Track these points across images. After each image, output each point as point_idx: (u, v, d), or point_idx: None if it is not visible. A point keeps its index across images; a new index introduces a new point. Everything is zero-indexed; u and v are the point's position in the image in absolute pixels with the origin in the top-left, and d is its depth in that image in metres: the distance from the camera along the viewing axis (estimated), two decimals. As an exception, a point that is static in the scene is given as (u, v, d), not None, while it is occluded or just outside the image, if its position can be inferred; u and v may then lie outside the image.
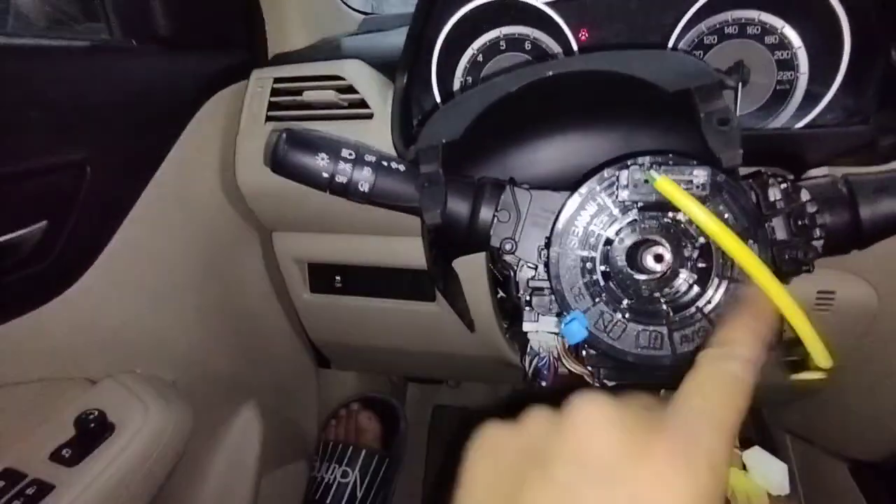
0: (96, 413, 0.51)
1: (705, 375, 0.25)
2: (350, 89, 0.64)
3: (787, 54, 0.59)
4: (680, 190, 0.32)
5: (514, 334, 0.73)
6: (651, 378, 0.41)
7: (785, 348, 0.36)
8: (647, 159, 0.35)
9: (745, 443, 0.45)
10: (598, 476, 0.22)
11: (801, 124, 0.56)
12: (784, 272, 0.40)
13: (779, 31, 0.59)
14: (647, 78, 0.39)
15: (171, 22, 0.60)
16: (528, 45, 0.65)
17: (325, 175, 0.40)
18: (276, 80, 0.67)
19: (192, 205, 0.65)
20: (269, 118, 0.66)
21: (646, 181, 0.34)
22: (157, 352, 0.64)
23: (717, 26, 0.61)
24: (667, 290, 0.38)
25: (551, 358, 0.45)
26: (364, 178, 0.41)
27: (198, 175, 0.65)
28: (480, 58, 0.66)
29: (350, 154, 0.41)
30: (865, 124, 0.50)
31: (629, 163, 0.35)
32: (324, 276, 0.78)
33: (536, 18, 0.63)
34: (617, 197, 0.37)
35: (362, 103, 0.64)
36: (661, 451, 0.22)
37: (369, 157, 0.41)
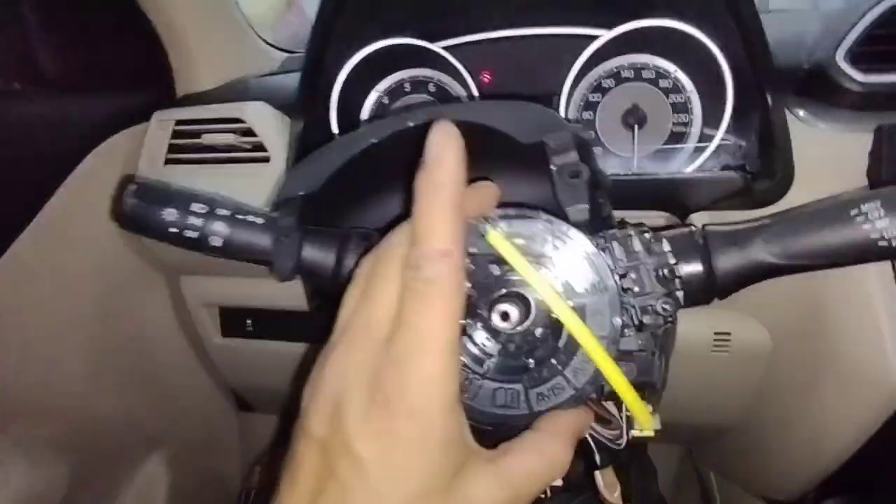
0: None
1: (408, 295, 0.25)
2: (249, 132, 0.63)
3: (682, 97, 0.60)
4: (509, 246, 0.32)
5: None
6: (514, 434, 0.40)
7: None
8: (484, 216, 0.34)
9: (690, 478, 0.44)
10: None
11: (692, 167, 0.57)
12: (646, 325, 0.39)
13: (672, 74, 0.60)
14: (503, 129, 0.38)
15: (58, 64, 0.59)
16: (432, 87, 0.65)
17: (174, 230, 0.39)
18: (178, 122, 0.65)
19: (82, 250, 0.63)
20: (168, 161, 0.65)
21: (482, 235, 0.33)
22: (36, 407, 0.60)
23: (614, 70, 0.62)
24: (530, 342, 0.37)
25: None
26: (216, 233, 0.39)
27: (90, 219, 0.63)
28: (386, 100, 0.66)
29: (202, 208, 0.39)
30: (743, 170, 0.50)
31: (471, 221, 0.34)
32: (235, 320, 0.75)
33: (438, 62, 0.63)
34: (471, 250, 0.36)
35: (261, 146, 0.62)
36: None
37: (222, 211, 0.39)
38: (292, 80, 0.79)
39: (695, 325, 0.57)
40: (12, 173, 0.54)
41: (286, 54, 0.91)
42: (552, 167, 0.37)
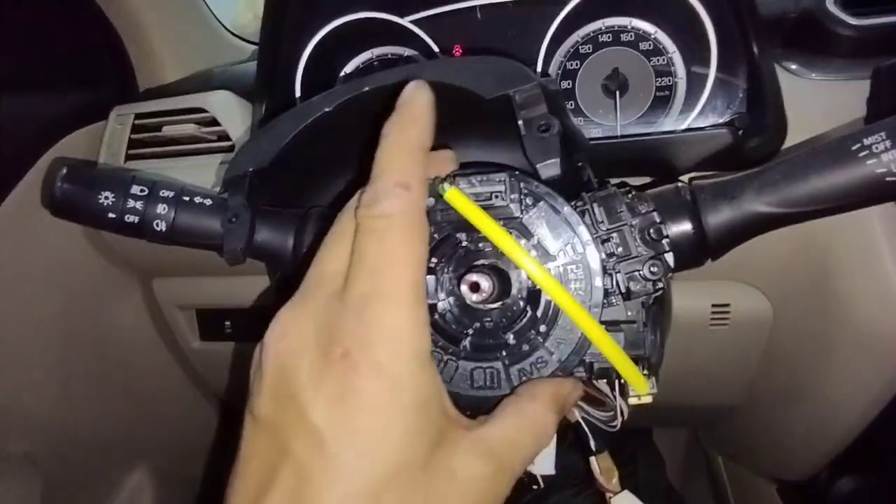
0: None
1: (365, 234, 0.22)
2: (213, 122, 0.60)
3: (663, 60, 0.57)
4: (469, 202, 0.28)
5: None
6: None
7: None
8: (443, 175, 0.31)
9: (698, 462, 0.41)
10: None
11: (667, 132, 0.53)
12: (634, 292, 0.36)
13: (652, 36, 0.57)
14: (464, 85, 0.35)
15: (10, 61, 0.56)
16: (402, 65, 0.62)
17: (112, 215, 0.35)
18: (138, 116, 0.62)
19: (47, 257, 0.60)
20: (129, 157, 0.62)
21: (439, 196, 0.30)
22: (10, 422, 0.57)
23: (591, 34, 0.59)
24: (497, 319, 0.33)
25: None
26: (160, 216, 0.36)
27: (50, 222, 0.60)
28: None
29: (142, 190, 0.36)
30: (732, 126, 0.47)
31: (430, 179, 0.31)
32: (213, 322, 0.72)
33: (406, 37, 0.60)
34: (435, 216, 0.33)
35: (225, 136, 0.59)
36: None
37: (166, 192, 0.36)
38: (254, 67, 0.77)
39: (691, 299, 0.54)
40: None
41: (254, 45, 0.88)
42: (519, 122, 0.34)
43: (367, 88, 0.37)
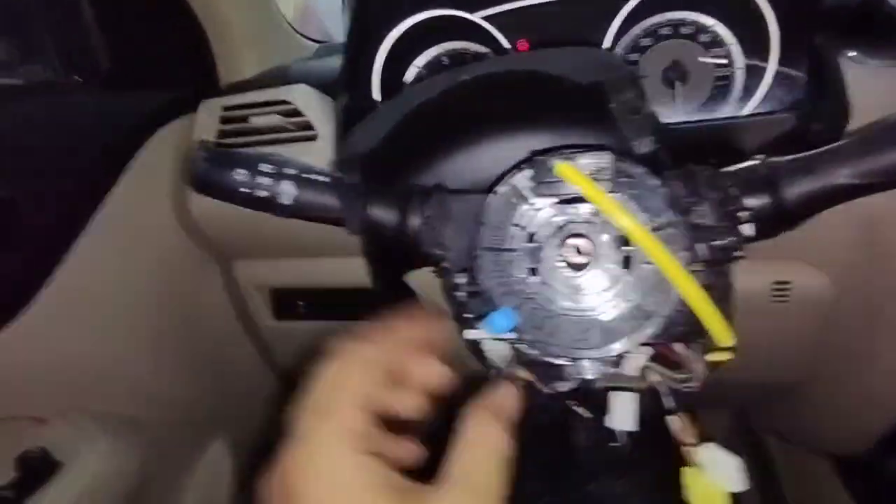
0: (39, 452, 0.50)
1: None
2: (296, 112, 0.65)
3: (722, 51, 0.60)
4: (580, 175, 0.32)
5: (468, 346, 0.72)
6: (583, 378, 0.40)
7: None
8: (552, 152, 0.34)
9: (747, 441, 0.44)
10: None
11: (727, 118, 0.56)
12: (715, 260, 0.39)
13: (710, 28, 0.60)
14: (560, 74, 0.39)
15: (113, 60, 0.61)
16: (469, 59, 0.66)
17: (245, 190, 0.40)
18: (225, 109, 0.67)
19: (144, 238, 0.65)
20: (218, 146, 0.67)
21: (549, 170, 0.34)
22: (114, 388, 0.63)
23: (652, 28, 0.62)
24: (592, 279, 0.37)
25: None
26: (285, 192, 0.40)
27: (149, 208, 0.65)
28: (424, 74, 0.67)
29: (270, 168, 0.40)
30: (792, 111, 0.50)
31: (538, 157, 0.35)
32: (287, 302, 0.77)
33: (475, 32, 0.64)
34: (535, 193, 0.37)
35: (308, 125, 0.64)
36: None
37: (289, 170, 0.41)
38: (326, 64, 0.81)
39: (752, 275, 0.56)
40: (75, 162, 0.57)
41: (316, 43, 0.93)
42: (612, 105, 0.37)
43: (465, 77, 0.41)
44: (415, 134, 0.42)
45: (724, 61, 0.59)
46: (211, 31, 0.71)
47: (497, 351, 0.44)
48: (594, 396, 0.44)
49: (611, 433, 0.46)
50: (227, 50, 0.74)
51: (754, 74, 0.58)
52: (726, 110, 0.59)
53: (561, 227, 0.37)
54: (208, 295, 0.75)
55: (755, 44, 0.57)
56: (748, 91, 0.58)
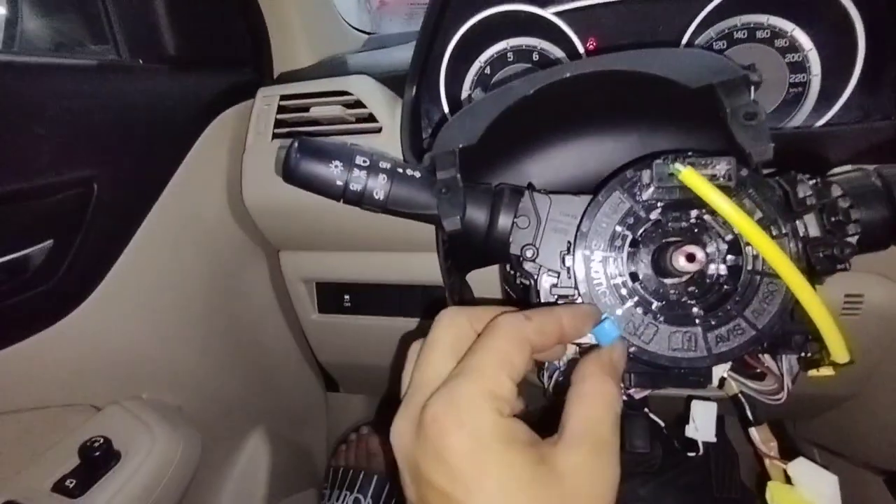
0: (101, 441, 0.49)
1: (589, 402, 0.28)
2: (357, 104, 0.64)
3: (799, 56, 0.59)
4: (706, 182, 0.31)
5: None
6: (685, 383, 0.39)
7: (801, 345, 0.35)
8: (670, 156, 0.33)
9: (787, 453, 0.43)
10: None
11: (818, 125, 0.55)
12: (819, 271, 0.38)
13: (789, 34, 0.59)
14: (667, 75, 0.38)
15: (177, 41, 0.60)
16: (535, 56, 0.65)
17: (339, 183, 0.39)
18: (283, 98, 0.66)
19: (198, 225, 0.64)
20: (275, 135, 0.66)
21: (671, 175, 0.33)
22: (163, 376, 0.62)
23: (726, 31, 0.60)
24: (695, 289, 0.36)
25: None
26: (379, 186, 0.39)
27: (204, 195, 0.64)
28: (488, 69, 0.66)
29: (364, 161, 0.39)
30: (888, 120, 0.49)
31: (653, 161, 0.34)
32: (332, 296, 0.76)
33: (543, 29, 0.63)
34: (641, 197, 0.36)
35: (370, 117, 0.63)
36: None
37: (384, 164, 0.40)
38: (379, 56, 0.80)
39: (824, 287, 0.55)
40: (141, 148, 0.56)
41: (365, 35, 0.92)
42: (727, 110, 0.36)
43: (567, 75, 0.40)
44: (511, 131, 0.41)
45: (800, 67, 0.58)
46: (269, 17, 0.70)
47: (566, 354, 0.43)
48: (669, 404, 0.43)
49: (691, 442, 0.45)
50: (284, 38, 0.73)
51: (832, 81, 0.57)
52: (800, 116, 0.58)
53: (668, 233, 0.36)
54: (255, 285, 0.74)
55: (837, 52, 0.56)
56: (823, 99, 0.57)
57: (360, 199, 0.40)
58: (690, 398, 0.45)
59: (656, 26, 0.61)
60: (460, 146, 0.40)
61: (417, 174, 0.41)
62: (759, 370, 0.44)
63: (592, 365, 0.30)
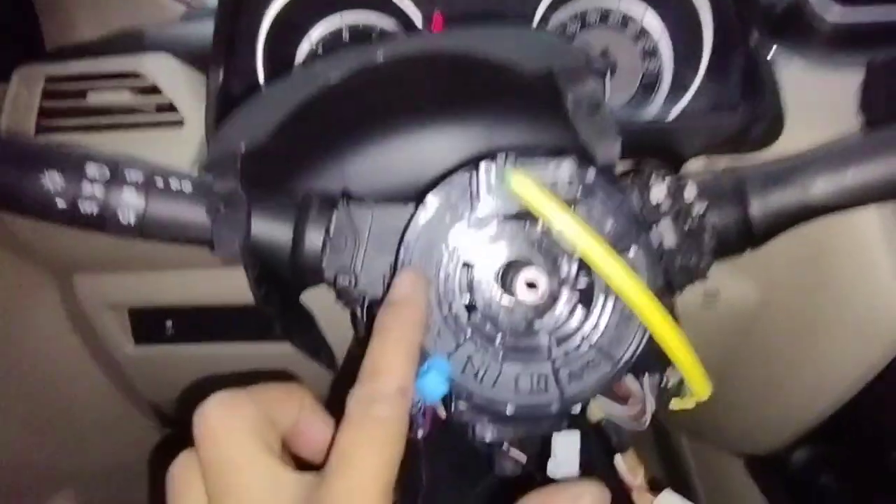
0: None
1: (355, 431, 0.22)
2: (153, 90, 0.51)
3: (651, 44, 0.56)
4: (538, 189, 0.24)
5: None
6: (536, 429, 0.33)
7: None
8: (503, 156, 0.26)
9: (654, 483, 0.40)
10: None
11: (671, 116, 0.52)
12: (676, 285, 0.34)
13: (640, 19, 0.55)
14: (500, 58, 0.31)
15: None
16: (374, 38, 0.56)
17: (62, 204, 0.28)
18: (49, 80, 0.51)
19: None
20: (40, 128, 0.51)
21: (498, 180, 0.26)
22: None
23: (579, 13, 0.56)
24: (546, 318, 0.30)
25: (424, 404, 0.36)
26: (128, 205, 0.29)
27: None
28: (321, 51, 0.56)
29: (102, 171, 0.28)
30: (734, 112, 0.46)
31: (481, 163, 0.27)
32: (150, 323, 0.63)
33: (382, 5, 0.54)
34: (474, 207, 0.29)
35: (170, 107, 0.50)
36: None
37: (133, 175, 0.29)
38: (195, 30, 0.66)
39: (682, 287, 0.54)
40: None
41: (181, 4, 0.77)
42: (568, 99, 0.30)
43: (381, 59, 0.31)
44: (313, 126, 0.32)
45: (652, 54, 0.55)
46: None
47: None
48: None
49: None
50: (57, 3, 0.57)
51: (684, 70, 0.54)
52: (654, 105, 0.55)
53: (507, 254, 0.29)
54: (40, 319, 0.59)
55: (686, 40, 0.53)
56: (676, 87, 0.55)
57: (101, 224, 0.29)
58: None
59: (505, 5, 0.55)
60: (244, 148, 0.30)
61: (187, 186, 0.30)
62: (620, 393, 0.39)
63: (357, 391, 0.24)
